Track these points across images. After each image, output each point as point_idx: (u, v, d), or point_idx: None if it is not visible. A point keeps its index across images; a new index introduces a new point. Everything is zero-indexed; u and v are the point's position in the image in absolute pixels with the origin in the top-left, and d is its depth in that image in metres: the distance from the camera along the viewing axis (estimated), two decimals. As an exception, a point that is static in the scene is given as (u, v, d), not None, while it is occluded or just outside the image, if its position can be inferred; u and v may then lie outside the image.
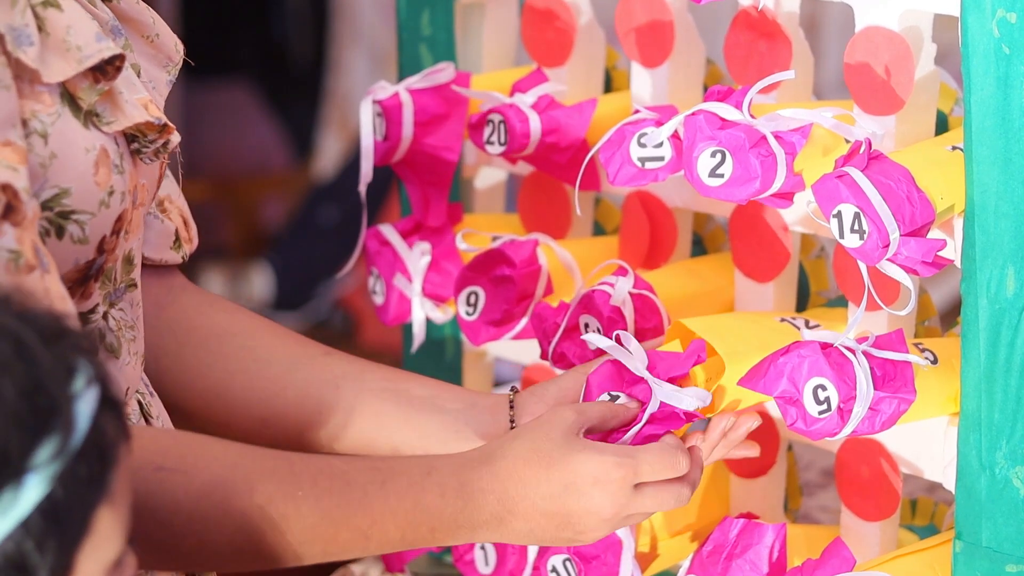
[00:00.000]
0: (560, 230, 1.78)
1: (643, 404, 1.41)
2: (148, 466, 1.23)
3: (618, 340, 1.45)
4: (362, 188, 1.69)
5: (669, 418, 1.41)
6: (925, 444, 1.52)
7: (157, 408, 1.41)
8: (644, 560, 1.62)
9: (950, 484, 1.49)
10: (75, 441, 0.95)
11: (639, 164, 1.50)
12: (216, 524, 1.25)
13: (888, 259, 1.37)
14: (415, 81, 1.70)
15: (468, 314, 1.66)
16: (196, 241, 1.51)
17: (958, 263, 1.43)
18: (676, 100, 1.63)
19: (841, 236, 1.38)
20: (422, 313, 1.74)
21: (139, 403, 1.37)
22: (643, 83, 1.65)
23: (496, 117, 1.65)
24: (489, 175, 1.88)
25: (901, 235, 1.36)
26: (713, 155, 1.43)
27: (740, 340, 1.48)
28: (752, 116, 1.44)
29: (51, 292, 1.17)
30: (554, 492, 1.33)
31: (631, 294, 1.56)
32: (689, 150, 1.45)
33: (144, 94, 1.29)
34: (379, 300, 1.77)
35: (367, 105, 1.68)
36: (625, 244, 1.72)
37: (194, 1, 4.96)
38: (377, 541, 1.30)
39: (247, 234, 4.91)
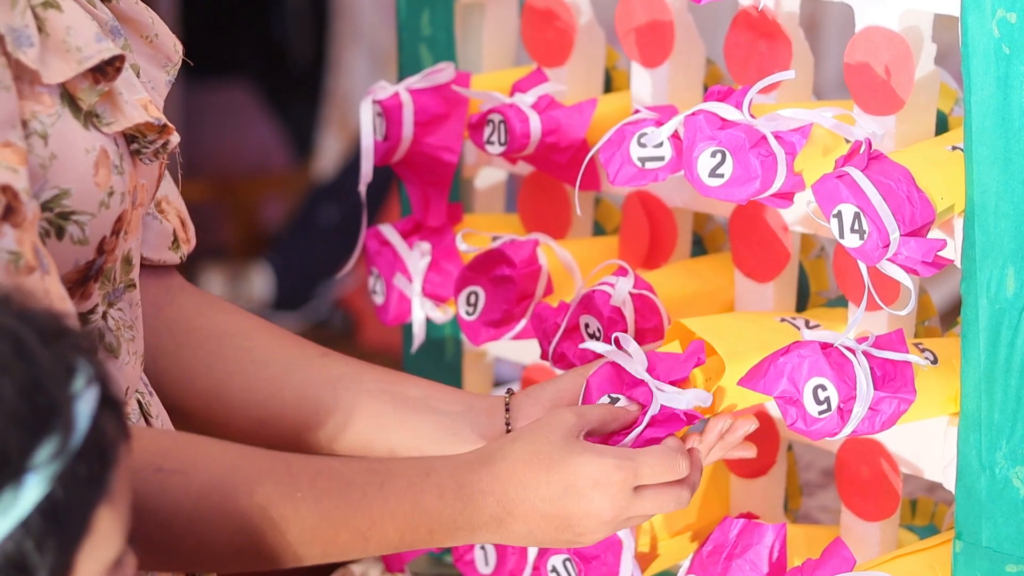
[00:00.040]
0: (560, 230, 1.78)
1: (643, 407, 1.41)
2: (148, 467, 1.23)
3: (617, 342, 1.45)
4: (362, 188, 1.68)
5: (669, 420, 1.41)
6: (925, 444, 1.52)
7: (156, 407, 1.41)
8: (644, 560, 1.62)
9: (950, 484, 1.49)
10: (75, 441, 0.95)
11: (639, 164, 1.50)
12: (215, 525, 1.25)
13: (888, 259, 1.37)
14: (415, 81, 1.70)
15: (468, 314, 1.66)
16: (194, 241, 1.51)
17: (958, 263, 1.43)
18: (676, 100, 1.63)
19: (841, 236, 1.38)
20: (422, 313, 1.74)
21: (139, 402, 1.38)
22: (643, 83, 1.65)
23: (496, 117, 1.65)
24: (489, 175, 1.88)
25: (901, 235, 1.36)
26: (713, 155, 1.43)
27: (740, 340, 1.48)
28: (752, 116, 1.44)
29: (51, 293, 1.17)
30: (554, 494, 1.32)
31: (631, 294, 1.56)
32: (689, 150, 1.45)
33: (144, 95, 1.29)
34: (379, 300, 1.77)
35: (367, 105, 1.68)
36: (625, 244, 1.72)
37: (194, 1, 4.96)
38: (376, 542, 1.30)
39: (247, 234, 4.91)
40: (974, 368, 1.43)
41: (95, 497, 0.96)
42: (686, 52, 1.64)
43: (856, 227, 1.36)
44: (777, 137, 1.43)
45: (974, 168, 1.39)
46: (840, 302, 1.62)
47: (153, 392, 1.42)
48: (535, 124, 1.64)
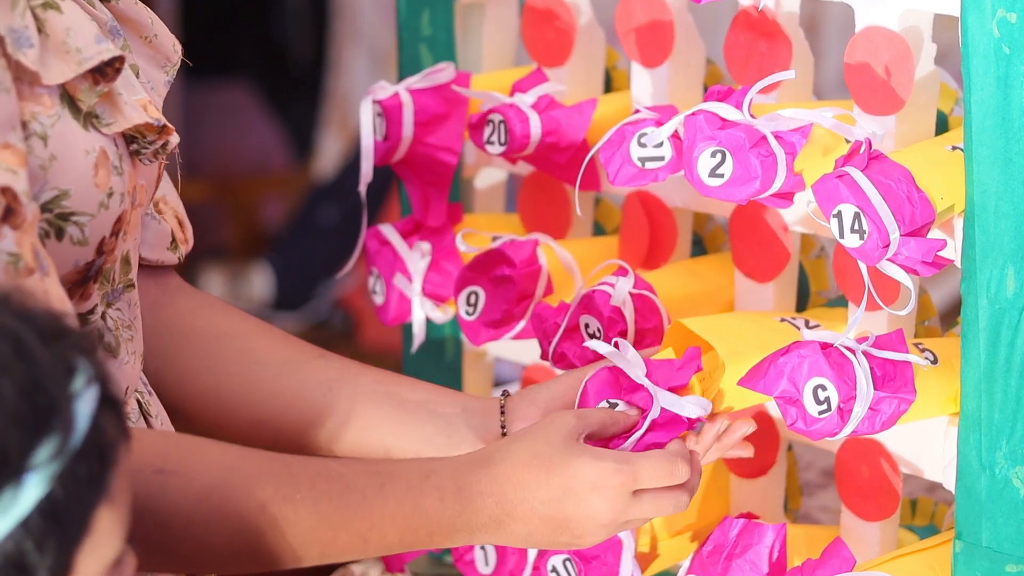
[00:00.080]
0: (560, 230, 1.78)
1: (643, 411, 1.41)
2: (147, 468, 1.23)
3: (616, 346, 1.45)
4: (362, 188, 1.68)
5: (670, 424, 1.41)
6: (925, 444, 1.52)
7: (156, 407, 1.41)
8: (644, 560, 1.62)
9: (950, 484, 1.49)
10: (75, 441, 0.95)
11: (639, 164, 1.50)
12: (215, 526, 1.25)
13: (888, 259, 1.37)
14: (415, 81, 1.70)
15: (468, 314, 1.66)
16: (192, 242, 1.51)
17: (958, 263, 1.43)
18: (676, 100, 1.63)
19: (841, 236, 1.38)
20: (422, 313, 1.74)
21: (138, 402, 1.38)
22: (643, 83, 1.65)
23: (496, 117, 1.65)
24: (489, 175, 1.88)
25: (901, 235, 1.36)
26: (713, 155, 1.43)
27: (740, 340, 1.48)
28: (752, 116, 1.44)
29: (50, 294, 1.17)
30: (553, 496, 1.32)
31: (631, 294, 1.56)
32: (689, 150, 1.45)
33: (143, 95, 1.29)
34: (379, 300, 1.77)
35: (367, 105, 1.68)
36: (625, 244, 1.72)
37: (194, 1, 4.96)
38: (375, 544, 1.30)
39: (247, 234, 4.91)
40: (974, 368, 1.43)
41: (95, 497, 0.96)
42: (686, 52, 1.64)
43: (856, 227, 1.36)
44: (777, 137, 1.43)
45: (974, 168, 1.39)
46: (840, 302, 1.62)
47: (152, 392, 1.42)
48: (535, 124, 1.64)
